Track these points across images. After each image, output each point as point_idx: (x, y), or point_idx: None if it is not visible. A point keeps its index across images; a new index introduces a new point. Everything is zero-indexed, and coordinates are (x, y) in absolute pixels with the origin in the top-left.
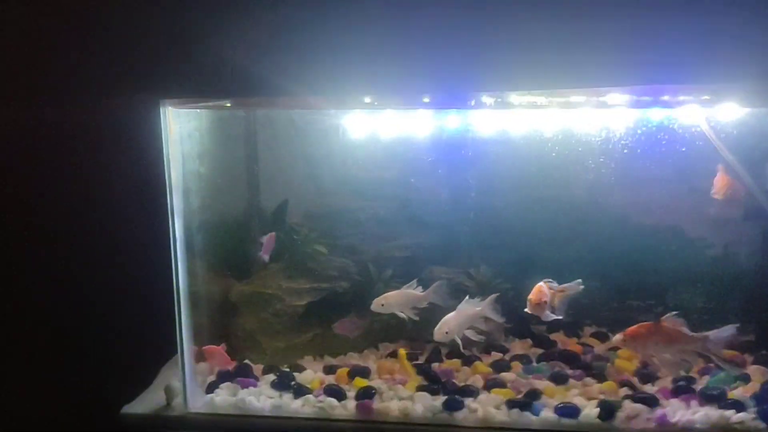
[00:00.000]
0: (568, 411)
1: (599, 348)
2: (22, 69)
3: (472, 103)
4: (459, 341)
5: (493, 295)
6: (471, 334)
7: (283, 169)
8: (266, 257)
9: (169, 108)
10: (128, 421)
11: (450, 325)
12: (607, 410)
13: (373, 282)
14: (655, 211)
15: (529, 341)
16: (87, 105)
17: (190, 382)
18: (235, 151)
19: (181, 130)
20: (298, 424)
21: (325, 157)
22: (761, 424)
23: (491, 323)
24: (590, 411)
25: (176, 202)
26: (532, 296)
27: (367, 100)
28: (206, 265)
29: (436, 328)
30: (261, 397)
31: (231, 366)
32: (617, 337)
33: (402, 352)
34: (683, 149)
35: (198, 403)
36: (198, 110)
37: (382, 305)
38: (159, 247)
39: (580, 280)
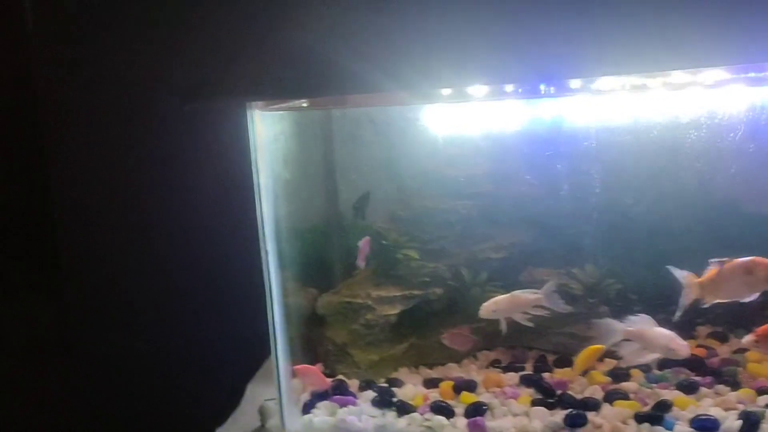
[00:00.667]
0: (707, 424)
1: (723, 350)
2: (107, 73)
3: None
4: (504, 324)
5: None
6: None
7: (366, 171)
8: (362, 264)
9: (256, 111)
10: None
11: (500, 304)
12: (751, 422)
13: (467, 287)
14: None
15: None
16: (173, 111)
17: (286, 401)
18: (317, 155)
19: (268, 134)
20: None
21: (409, 156)
22: None
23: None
24: (731, 423)
25: (266, 210)
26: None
27: (447, 92)
28: (294, 276)
29: (484, 304)
30: (362, 417)
31: (327, 386)
32: (748, 338)
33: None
34: None
35: (295, 424)
36: (282, 113)
37: (494, 311)
38: (247, 257)
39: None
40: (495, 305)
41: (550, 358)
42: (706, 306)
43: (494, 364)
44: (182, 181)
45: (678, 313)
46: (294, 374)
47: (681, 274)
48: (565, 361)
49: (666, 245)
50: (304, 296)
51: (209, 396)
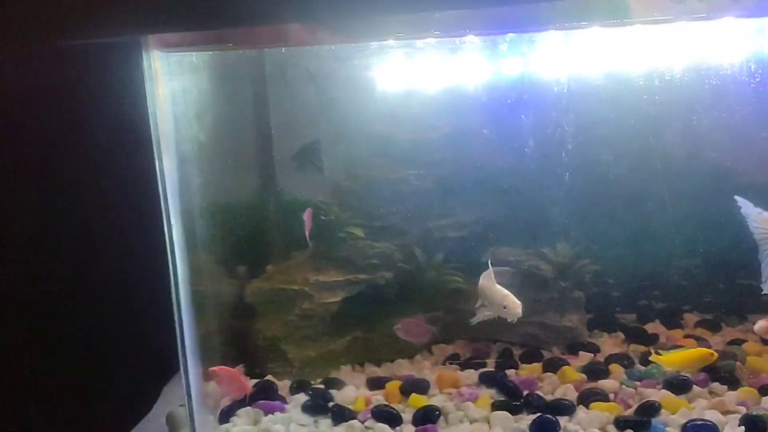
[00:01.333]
0: (704, 431)
1: (715, 341)
2: None
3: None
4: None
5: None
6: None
7: (304, 135)
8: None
9: (155, 52)
10: None
11: None
12: (755, 428)
13: (422, 270)
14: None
15: (621, 335)
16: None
17: (198, 409)
18: (244, 114)
19: (174, 84)
20: None
21: (355, 117)
22: None
23: (575, 316)
24: (732, 430)
25: (169, 176)
26: None
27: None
28: (212, 258)
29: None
30: (290, 426)
31: (248, 390)
32: (761, 324)
33: None
34: None
35: None
36: (196, 60)
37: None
38: (151, 237)
39: None
40: None
41: (517, 351)
42: None
43: (452, 359)
44: (66, 141)
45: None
46: (210, 377)
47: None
48: (534, 356)
49: (653, 215)
50: (230, 283)
51: (115, 400)
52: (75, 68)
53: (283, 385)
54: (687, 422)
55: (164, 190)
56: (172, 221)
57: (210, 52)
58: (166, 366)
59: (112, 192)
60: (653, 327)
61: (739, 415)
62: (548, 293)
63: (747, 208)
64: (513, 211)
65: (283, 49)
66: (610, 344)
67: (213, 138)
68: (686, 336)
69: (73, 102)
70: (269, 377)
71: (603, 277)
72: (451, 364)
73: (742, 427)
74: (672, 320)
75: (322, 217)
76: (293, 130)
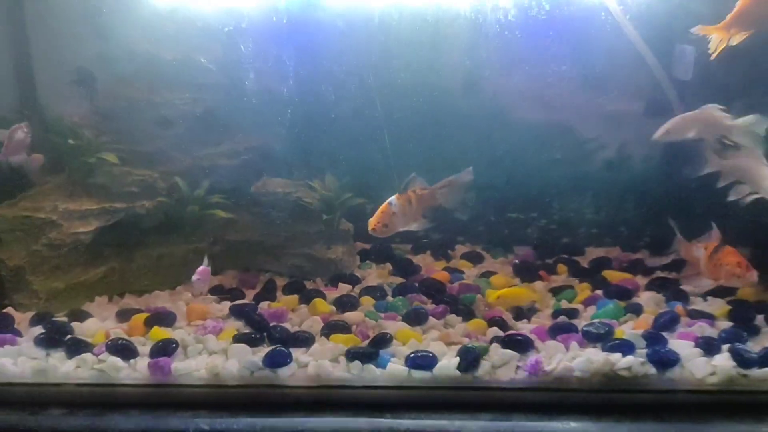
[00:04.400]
0: (422, 362)
1: (470, 273)
2: None
3: None
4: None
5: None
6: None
7: (56, 46)
8: (20, 158)
9: None
10: None
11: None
12: (469, 359)
13: (184, 200)
14: (543, 104)
15: (389, 266)
16: None
17: None
18: None
19: None
20: (67, 392)
21: (115, 32)
22: (651, 369)
23: (341, 248)
24: (449, 361)
25: None
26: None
27: None
28: None
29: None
30: (20, 359)
31: None
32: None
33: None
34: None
35: None
36: None
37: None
38: None
39: (470, 168)
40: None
41: (282, 282)
42: None
43: (215, 291)
44: None
45: None
46: None
47: None
48: (297, 288)
49: (433, 148)
50: None
51: None
52: None
53: (24, 318)
54: (411, 353)
55: None
56: None
57: None
58: None
59: None
60: (422, 259)
61: (460, 347)
62: (316, 226)
63: None
64: (285, 142)
65: None
66: (374, 276)
67: None
68: (446, 268)
69: None
70: (9, 309)
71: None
72: (213, 295)
73: (457, 358)
74: (441, 252)
75: (71, 141)
76: (55, 46)
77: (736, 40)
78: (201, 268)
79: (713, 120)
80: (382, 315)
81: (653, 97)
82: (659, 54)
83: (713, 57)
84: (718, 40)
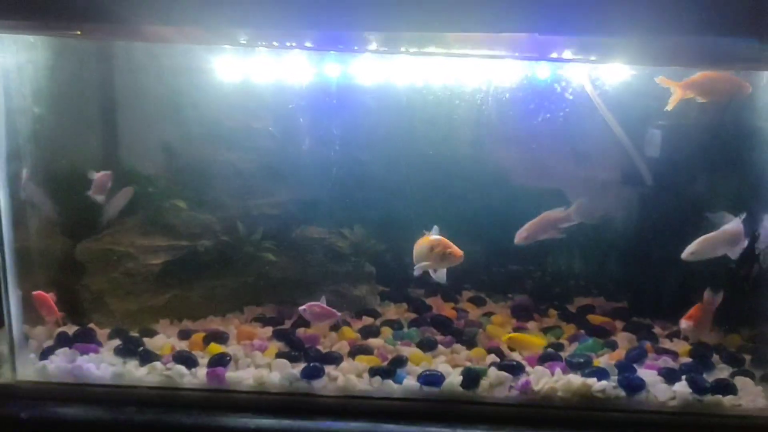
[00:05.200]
0: (432, 379)
1: (476, 313)
2: None
3: (355, 47)
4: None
5: (580, 200)
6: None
7: (140, 114)
8: (101, 197)
9: None
10: None
11: (531, 229)
12: (471, 378)
13: (242, 241)
14: (537, 173)
15: (405, 306)
16: None
17: (20, 346)
18: (85, 92)
19: (5, 61)
20: (140, 394)
21: (189, 102)
22: (621, 393)
23: (365, 287)
24: (454, 379)
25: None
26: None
27: (243, 41)
28: (43, 218)
29: (517, 233)
30: (102, 365)
31: (56, 315)
32: (685, 324)
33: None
34: (566, 109)
35: (29, 370)
36: (32, 40)
37: (527, 237)
38: None
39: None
40: (527, 230)
41: None
42: None
43: (258, 319)
44: None
45: None
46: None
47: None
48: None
49: (443, 208)
50: (61, 242)
51: None
52: None
53: (104, 333)
54: (423, 372)
55: None
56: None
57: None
58: None
59: None
60: (434, 301)
61: (463, 368)
62: (344, 266)
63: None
64: (320, 196)
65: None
66: (392, 312)
67: (49, 110)
68: (454, 308)
69: None
70: (92, 325)
71: (401, 258)
72: (256, 321)
73: (460, 377)
74: (450, 295)
75: (150, 189)
76: (134, 111)
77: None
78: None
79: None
80: (399, 342)
81: (628, 170)
82: (634, 132)
83: (668, 108)
84: (675, 94)
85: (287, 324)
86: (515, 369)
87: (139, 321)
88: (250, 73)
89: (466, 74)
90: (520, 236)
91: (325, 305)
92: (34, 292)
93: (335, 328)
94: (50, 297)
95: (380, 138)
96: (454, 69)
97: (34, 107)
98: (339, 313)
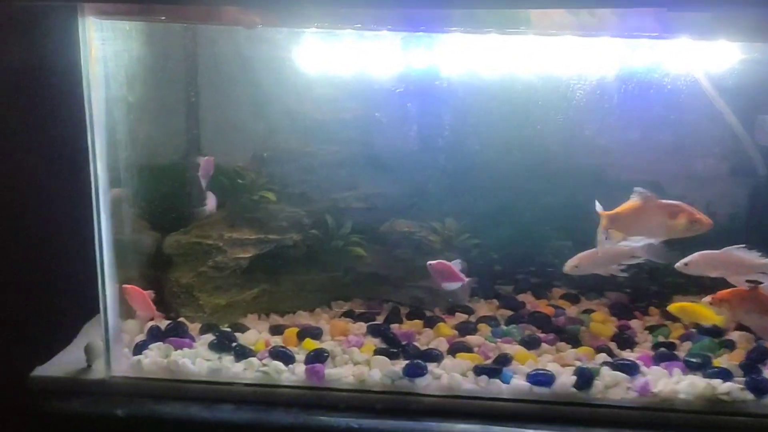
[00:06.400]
0: (542, 378)
1: (572, 311)
2: None
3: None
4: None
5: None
6: (610, 272)
7: (227, 104)
8: (203, 182)
9: (90, 18)
10: (39, 385)
11: (584, 259)
12: (585, 378)
13: (330, 235)
14: (636, 164)
15: (496, 302)
16: None
17: (114, 340)
18: (174, 82)
19: (105, 49)
20: (238, 391)
21: (276, 93)
22: (749, 395)
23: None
24: (566, 379)
25: (98, 137)
26: None
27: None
28: (135, 211)
29: (568, 261)
30: (197, 360)
31: (153, 313)
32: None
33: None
34: (674, 96)
35: (123, 365)
36: (129, 26)
37: (576, 267)
38: (78, 188)
39: None
40: (578, 261)
41: (404, 310)
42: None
43: (347, 314)
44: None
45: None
46: (125, 301)
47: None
48: (417, 315)
49: (535, 201)
50: (151, 235)
51: (35, 336)
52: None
53: (194, 327)
54: (531, 371)
55: (93, 146)
56: (99, 174)
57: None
58: (89, 307)
59: (43, 146)
60: (524, 297)
61: (574, 367)
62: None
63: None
64: (410, 189)
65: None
66: (484, 309)
67: (142, 100)
68: (548, 305)
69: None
70: (182, 319)
71: (488, 253)
72: (346, 317)
73: (574, 377)
74: (541, 292)
75: (239, 181)
76: (218, 100)
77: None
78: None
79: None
80: (499, 339)
81: (738, 160)
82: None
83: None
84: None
85: (377, 320)
86: (630, 369)
87: (227, 316)
88: (339, 60)
89: (562, 58)
90: (570, 265)
91: (455, 268)
92: (127, 286)
93: (430, 324)
94: (147, 294)
95: (471, 127)
96: (547, 52)
97: (128, 96)
98: (466, 279)
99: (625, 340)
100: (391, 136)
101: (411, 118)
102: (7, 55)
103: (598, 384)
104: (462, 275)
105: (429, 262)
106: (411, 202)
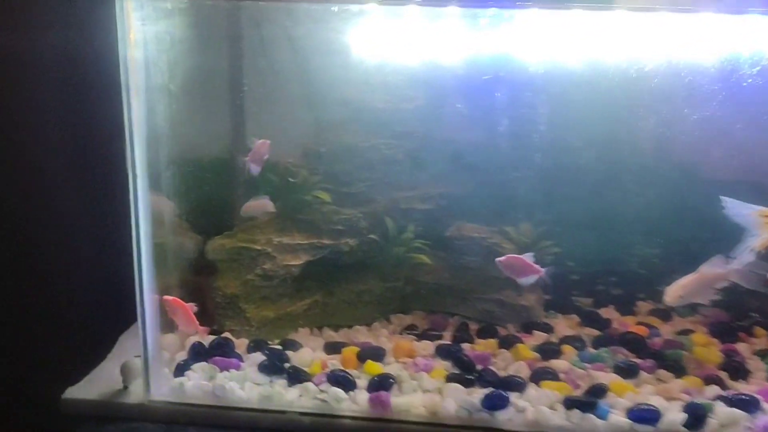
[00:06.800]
0: (646, 415)
1: (666, 330)
2: None
3: None
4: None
5: (745, 259)
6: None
7: (276, 94)
8: (256, 168)
9: None
10: (71, 409)
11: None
12: (696, 415)
13: (390, 241)
14: (731, 164)
15: (576, 318)
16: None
17: (153, 359)
18: (218, 70)
19: (146, 32)
20: (294, 421)
21: (330, 82)
22: None
23: (532, 296)
24: (674, 416)
25: (137, 129)
26: None
27: None
28: (174, 216)
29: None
30: (246, 384)
31: (197, 329)
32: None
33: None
34: None
35: (163, 388)
36: (169, 6)
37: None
38: (114, 187)
39: None
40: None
41: (474, 327)
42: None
43: (409, 330)
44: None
45: (742, 260)
46: (165, 314)
47: (744, 210)
48: (490, 332)
49: (617, 203)
50: (193, 238)
51: (64, 344)
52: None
53: (240, 343)
54: (633, 406)
55: (131, 140)
56: (138, 171)
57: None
58: (124, 316)
59: (78, 139)
60: (607, 312)
61: (683, 403)
62: None
63: (733, 206)
64: (479, 188)
65: (260, 4)
66: (564, 326)
67: (184, 88)
68: (638, 323)
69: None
70: (227, 334)
71: (563, 260)
72: (409, 334)
73: (684, 414)
74: (626, 307)
75: (290, 179)
76: (267, 88)
77: None
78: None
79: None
80: (589, 365)
81: None
82: None
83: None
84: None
85: (445, 338)
86: (749, 405)
87: (276, 330)
88: (401, 42)
89: (653, 40)
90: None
91: (527, 259)
92: (168, 298)
93: (506, 344)
94: (190, 307)
95: (548, 119)
96: (637, 32)
97: (170, 84)
98: (542, 270)
99: (735, 369)
100: (458, 128)
101: (481, 109)
102: (36, 38)
103: (711, 422)
104: (537, 266)
105: (497, 259)
106: (480, 203)
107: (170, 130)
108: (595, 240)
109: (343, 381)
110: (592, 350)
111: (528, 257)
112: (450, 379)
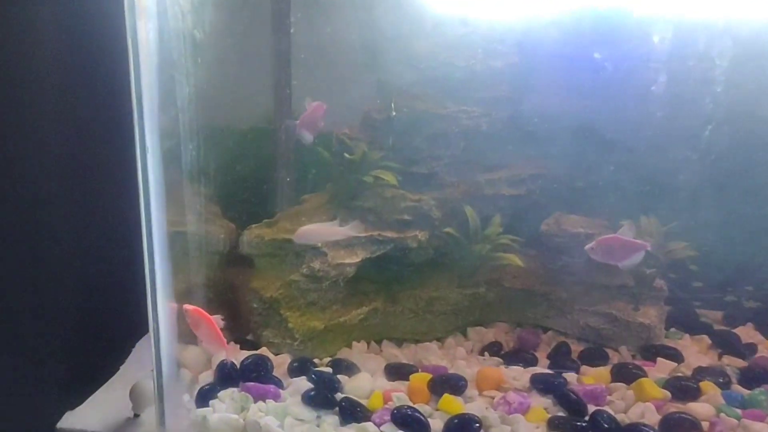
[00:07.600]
0: None
1: None
2: None
3: None
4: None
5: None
6: None
7: (327, 48)
8: (309, 136)
9: None
10: None
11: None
12: None
13: (471, 236)
14: None
15: (706, 339)
16: None
17: (169, 382)
18: (255, 14)
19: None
20: None
21: (395, 37)
22: None
23: (653, 310)
24: None
25: (146, 90)
26: None
27: None
28: (200, 199)
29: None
30: (286, 420)
31: (224, 347)
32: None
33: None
34: None
35: (182, 421)
36: None
37: None
38: (124, 170)
39: None
40: None
41: (575, 347)
42: None
43: (492, 348)
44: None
45: None
46: (186, 325)
47: None
48: (598, 356)
49: (756, 200)
50: (223, 229)
51: (63, 357)
52: None
53: (280, 362)
54: None
55: (139, 99)
56: (147, 143)
57: None
58: (137, 323)
59: (82, 111)
60: (746, 332)
61: None
62: (621, 279)
63: None
64: (584, 171)
65: None
66: (693, 351)
67: (213, 37)
68: None
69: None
70: (263, 350)
71: (684, 263)
72: (492, 355)
73: None
74: (764, 322)
75: (346, 155)
76: (319, 40)
77: None
78: None
79: None
80: (739, 410)
81: None
82: None
83: None
84: None
85: (541, 361)
86: None
87: (325, 344)
88: None
89: None
90: None
91: (624, 236)
92: (189, 307)
93: (623, 375)
94: (215, 320)
95: (676, 91)
96: None
97: (196, 33)
98: (647, 243)
99: None
100: (557, 94)
101: (589, 73)
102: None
103: None
104: (640, 241)
105: (587, 246)
106: (586, 189)
107: (193, 91)
108: (725, 241)
109: (413, 423)
110: (740, 389)
111: (624, 231)
112: (554, 425)
